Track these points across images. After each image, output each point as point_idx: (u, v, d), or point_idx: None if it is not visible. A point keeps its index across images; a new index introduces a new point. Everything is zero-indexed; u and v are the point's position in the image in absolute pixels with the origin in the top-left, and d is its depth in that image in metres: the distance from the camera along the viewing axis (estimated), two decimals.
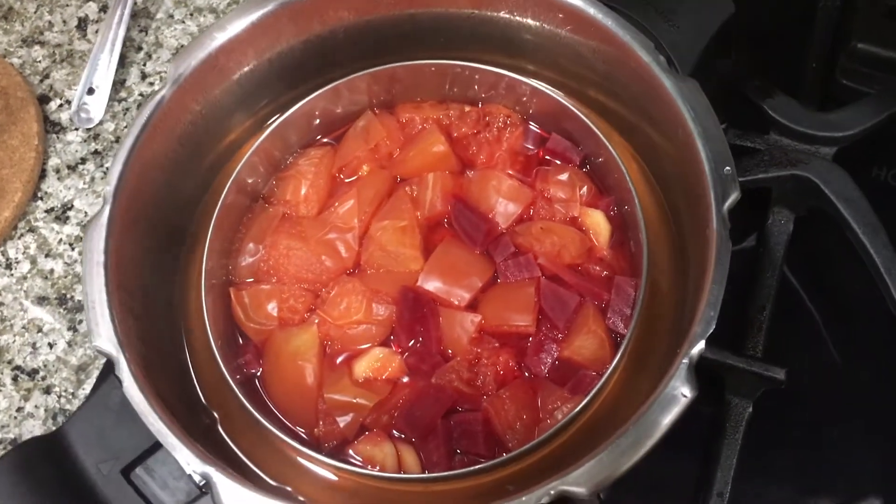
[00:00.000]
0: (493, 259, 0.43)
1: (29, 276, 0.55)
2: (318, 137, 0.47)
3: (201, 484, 0.32)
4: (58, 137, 0.59)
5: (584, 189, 0.44)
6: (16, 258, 0.56)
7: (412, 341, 0.42)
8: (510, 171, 0.45)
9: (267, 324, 0.42)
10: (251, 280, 0.44)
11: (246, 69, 0.45)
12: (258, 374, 0.42)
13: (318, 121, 0.46)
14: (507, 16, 0.43)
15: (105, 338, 0.35)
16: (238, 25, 0.43)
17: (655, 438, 0.32)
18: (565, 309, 0.41)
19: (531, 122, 0.46)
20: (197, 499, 0.34)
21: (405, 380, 0.41)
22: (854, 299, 0.50)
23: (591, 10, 0.40)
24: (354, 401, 0.40)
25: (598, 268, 0.43)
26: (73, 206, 0.57)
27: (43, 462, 0.34)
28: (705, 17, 0.42)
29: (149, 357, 0.37)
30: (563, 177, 0.44)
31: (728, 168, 0.35)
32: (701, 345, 0.33)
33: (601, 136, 0.43)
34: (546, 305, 0.41)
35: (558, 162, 0.45)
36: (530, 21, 0.43)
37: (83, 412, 0.36)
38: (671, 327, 0.39)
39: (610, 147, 0.42)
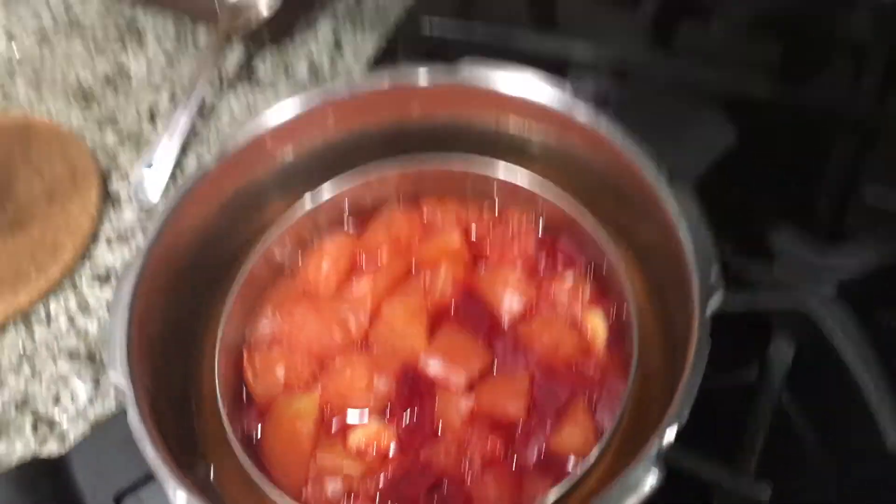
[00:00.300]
0: (492, 348, 0.45)
1: (65, 331, 0.59)
2: (346, 223, 0.51)
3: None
4: (114, 210, 0.64)
5: (586, 291, 0.46)
6: (55, 313, 0.59)
7: (407, 417, 0.44)
8: (518, 270, 0.48)
9: (273, 387, 0.45)
10: (264, 345, 0.47)
11: (289, 155, 0.49)
12: (257, 433, 0.44)
13: (347, 208, 0.50)
14: (525, 131, 0.48)
15: (119, 370, 0.37)
16: (286, 115, 0.48)
17: None
18: (556, 402, 0.43)
19: (542, 226, 0.49)
20: None
21: (395, 453, 0.43)
22: (853, 433, 0.51)
23: (604, 130, 0.44)
24: (344, 468, 0.42)
25: (592, 366, 0.44)
26: (116, 272, 0.61)
27: (42, 480, 0.36)
28: (709, 142, 0.46)
29: (157, 398, 0.39)
30: (567, 278, 0.47)
31: (714, 275, 0.38)
32: (669, 435, 0.34)
33: (604, 244, 0.45)
34: (539, 396, 0.43)
35: (564, 264, 0.48)
36: (546, 139, 0.47)
37: (88, 441, 0.38)
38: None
39: (611, 255, 0.45)
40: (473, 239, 0.50)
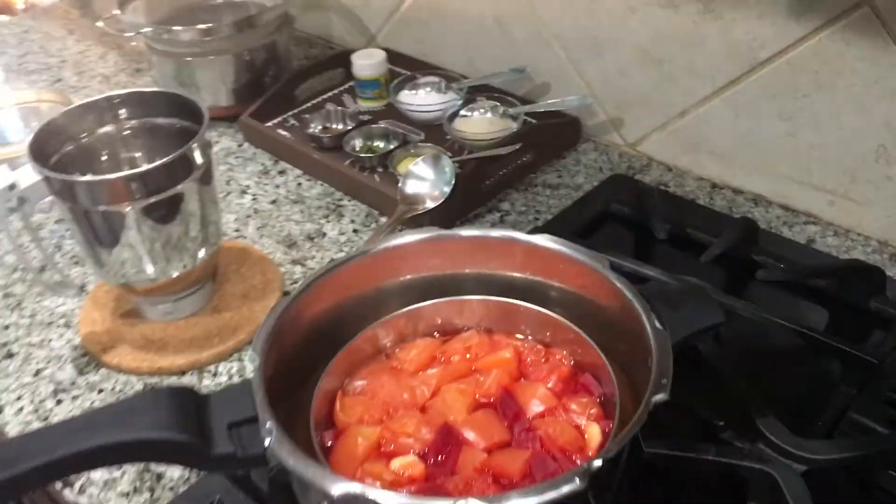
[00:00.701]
0: (512, 430, 0.61)
1: (223, 383, 0.79)
2: (435, 333, 0.70)
3: (267, 441, 0.51)
4: None
5: (594, 411, 0.61)
6: (221, 371, 0.81)
7: (437, 458, 0.59)
8: (547, 388, 0.64)
9: (351, 418, 0.62)
10: (354, 392, 0.65)
11: (407, 275, 0.69)
12: (329, 446, 0.61)
13: (439, 322, 0.69)
14: (548, 281, 0.66)
15: (256, 357, 0.57)
16: (408, 242, 0.68)
17: None
18: (545, 471, 0.57)
19: (572, 362, 0.66)
20: (259, 457, 0.53)
21: (420, 479, 0.58)
22: None
23: (619, 285, 0.61)
24: (382, 476, 0.58)
25: (580, 460, 0.58)
26: None
27: (185, 397, 0.55)
28: (700, 316, 0.62)
29: (273, 397, 0.58)
30: (583, 400, 0.62)
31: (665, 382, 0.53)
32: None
33: (615, 381, 0.61)
34: (534, 465, 0.57)
35: (583, 391, 0.64)
36: (567, 286, 0.65)
37: (223, 393, 0.57)
38: None
39: (617, 387, 0.60)
40: (523, 361, 0.67)
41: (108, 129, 0.81)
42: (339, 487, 0.49)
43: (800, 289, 0.83)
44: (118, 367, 0.82)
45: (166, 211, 0.76)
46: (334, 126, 1.13)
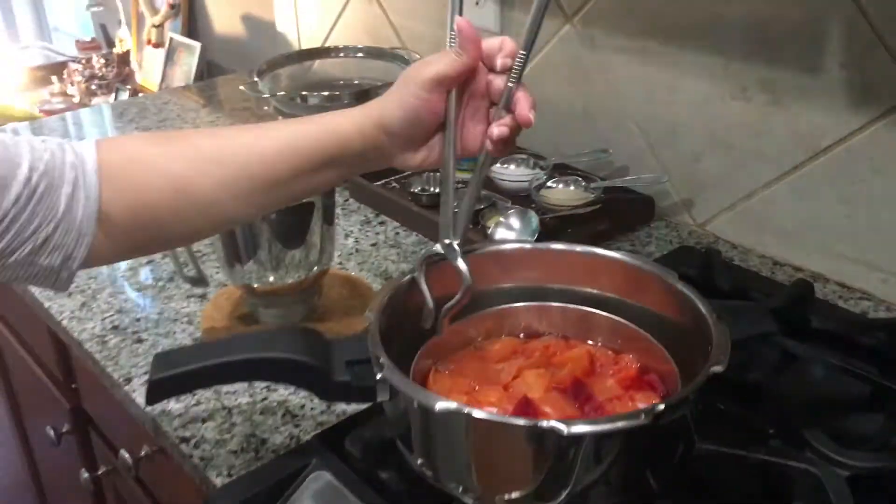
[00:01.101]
0: (582, 409, 0.69)
1: None
2: (520, 335, 0.80)
3: (379, 373, 0.62)
4: None
5: (656, 400, 0.70)
6: None
7: None
8: (615, 382, 0.73)
9: (441, 390, 0.71)
10: (446, 370, 0.74)
11: (506, 282, 0.80)
12: None
13: (522, 325, 0.79)
14: (622, 296, 0.76)
15: (370, 315, 0.68)
16: (501, 248, 0.79)
17: None
18: None
19: (640, 365, 0.74)
20: (370, 389, 0.63)
21: None
22: None
23: (686, 292, 0.71)
24: None
25: None
26: None
27: (315, 335, 0.65)
28: (755, 324, 0.70)
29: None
30: (648, 394, 0.71)
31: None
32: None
33: (680, 384, 0.70)
34: None
35: (648, 387, 0.72)
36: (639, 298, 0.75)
37: (344, 338, 0.67)
38: None
39: (680, 387, 0.69)
40: (595, 361, 0.76)
41: None
42: (441, 404, 0.58)
43: (851, 348, 0.90)
44: None
45: (294, 231, 0.90)
46: (431, 189, 1.27)
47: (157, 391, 0.61)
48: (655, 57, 1.15)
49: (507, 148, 0.69)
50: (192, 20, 2.17)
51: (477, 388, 0.72)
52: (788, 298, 0.91)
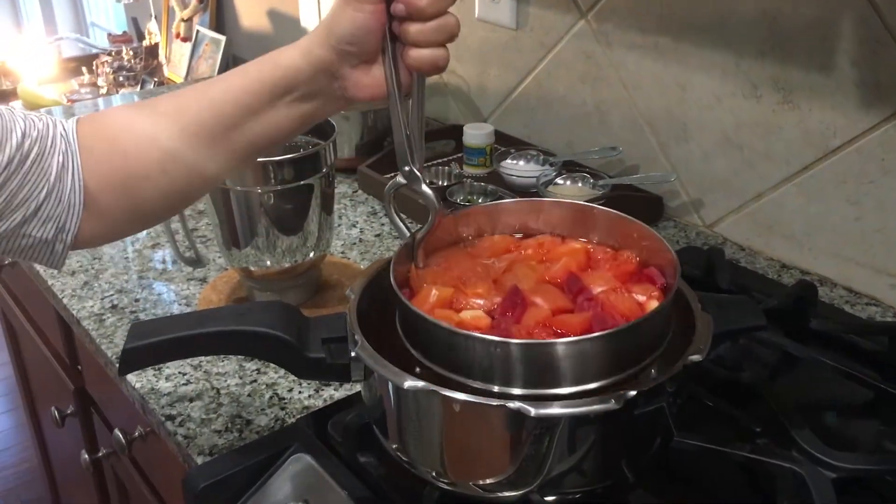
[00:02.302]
0: (575, 301, 0.65)
1: None
2: (515, 234, 0.77)
3: (353, 351, 0.61)
4: None
5: (655, 293, 0.66)
6: None
7: (504, 314, 0.64)
8: (612, 275, 0.69)
9: (426, 282, 0.68)
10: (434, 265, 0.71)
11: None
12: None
13: (517, 225, 0.77)
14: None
15: (350, 293, 0.67)
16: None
17: None
18: (605, 326, 0.61)
19: (639, 260, 0.72)
20: (344, 367, 0.62)
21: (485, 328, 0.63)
22: None
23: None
24: (450, 319, 0.63)
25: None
26: None
27: (292, 311, 0.65)
28: (744, 317, 0.69)
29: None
30: (645, 286, 0.67)
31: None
32: None
33: (678, 271, 0.66)
34: (594, 322, 0.62)
35: (647, 280, 0.69)
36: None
37: (322, 317, 0.67)
38: None
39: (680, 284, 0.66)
40: (592, 258, 0.73)
41: None
42: (409, 382, 0.58)
43: (851, 352, 0.88)
44: None
45: (292, 207, 0.90)
46: (440, 182, 1.27)
47: (131, 360, 0.61)
48: (668, 54, 1.14)
49: (439, 63, 0.63)
50: (220, 14, 2.19)
51: (465, 282, 0.69)
52: (788, 299, 0.89)
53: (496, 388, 0.60)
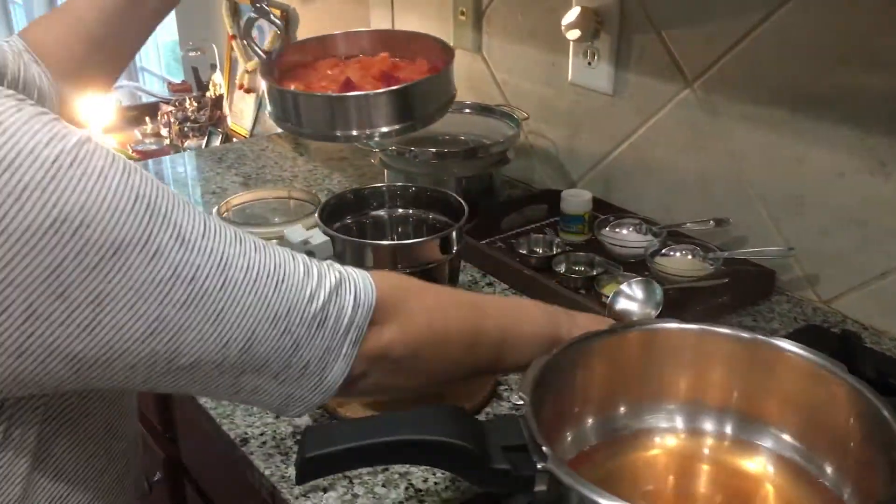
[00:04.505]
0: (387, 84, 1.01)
1: None
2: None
3: (540, 464, 0.58)
4: None
5: None
6: None
7: None
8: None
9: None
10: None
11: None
12: None
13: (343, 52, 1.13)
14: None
15: (522, 396, 0.65)
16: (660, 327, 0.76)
17: None
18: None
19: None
20: (530, 478, 0.59)
21: None
22: None
23: (859, 387, 0.66)
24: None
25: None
26: None
27: (469, 419, 0.62)
28: None
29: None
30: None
31: None
32: None
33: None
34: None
35: None
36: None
37: (494, 420, 0.64)
38: None
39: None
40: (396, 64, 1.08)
41: (380, 212, 0.94)
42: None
43: None
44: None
45: None
46: (539, 251, 1.24)
47: (309, 469, 0.58)
48: (782, 126, 1.12)
49: None
50: None
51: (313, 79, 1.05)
52: None
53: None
